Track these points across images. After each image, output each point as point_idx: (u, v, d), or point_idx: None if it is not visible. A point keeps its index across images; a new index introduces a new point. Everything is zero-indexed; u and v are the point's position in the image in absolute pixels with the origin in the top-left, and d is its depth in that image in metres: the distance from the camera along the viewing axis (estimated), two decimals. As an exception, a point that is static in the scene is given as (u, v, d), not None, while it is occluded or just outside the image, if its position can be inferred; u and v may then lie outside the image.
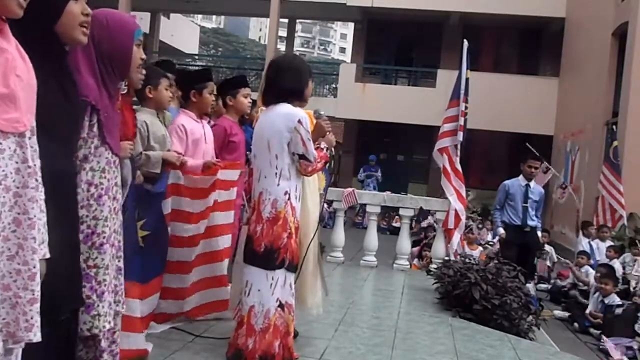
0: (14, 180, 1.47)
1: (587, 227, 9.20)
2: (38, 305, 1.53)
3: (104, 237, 2.08)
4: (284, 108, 3.03)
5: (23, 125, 1.49)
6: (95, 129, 2.07)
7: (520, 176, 6.80)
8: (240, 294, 3.18)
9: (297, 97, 3.12)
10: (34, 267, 1.51)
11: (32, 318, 1.51)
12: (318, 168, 3.09)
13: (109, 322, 2.11)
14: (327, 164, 3.27)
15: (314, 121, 3.29)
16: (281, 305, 2.97)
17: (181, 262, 3.50)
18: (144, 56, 2.30)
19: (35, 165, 1.54)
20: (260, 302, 2.96)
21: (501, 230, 6.75)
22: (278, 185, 2.97)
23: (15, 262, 1.48)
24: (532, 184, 6.76)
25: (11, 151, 1.46)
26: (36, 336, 1.52)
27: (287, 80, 3.09)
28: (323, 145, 3.17)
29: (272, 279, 2.94)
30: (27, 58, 1.57)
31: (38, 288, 1.52)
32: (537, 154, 7.53)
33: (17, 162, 1.48)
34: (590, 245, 8.84)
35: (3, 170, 1.44)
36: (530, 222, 6.66)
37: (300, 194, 3.10)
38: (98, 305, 2.06)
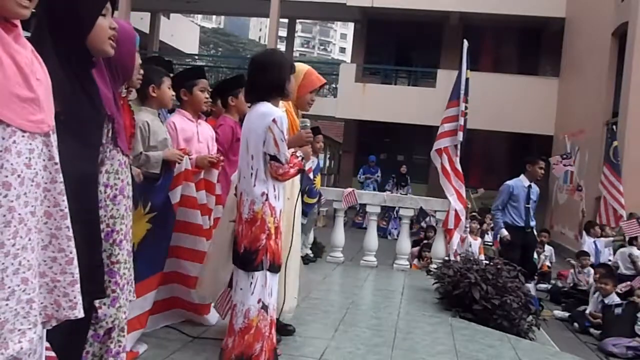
0: (42, 177, 1.59)
1: (594, 227, 9.21)
2: (79, 286, 1.66)
3: (122, 234, 2.25)
4: (263, 107, 2.96)
5: (47, 125, 1.60)
6: (110, 135, 2.21)
7: (522, 177, 6.79)
8: (211, 288, 3.30)
9: (277, 93, 3.05)
10: (71, 253, 1.65)
11: (74, 297, 1.65)
12: (290, 174, 2.99)
13: (124, 312, 2.31)
14: (302, 172, 3.19)
15: (299, 129, 3.27)
16: (264, 307, 2.92)
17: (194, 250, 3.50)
18: (140, 61, 2.53)
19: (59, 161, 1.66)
20: (241, 301, 2.92)
21: (505, 232, 6.68)
22: (254, 186, 2.91)
23: (49, 250, 1.61)
24: (532, 184, 6.77)
25: (39, 150, 1.58)
26: (80, 313, 1.67)
27: (267, 76, 3.01)
28: (299, 153, 3.09)
29: (252, 277, 2.91)
30: (42, 61, 1.67)
31: (77, 271, 1.66)
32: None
33: (44, 160, 1.60)
34: (596, 245, 8.86)
35: (34, 168, 1.56)
36: (531, 223, 6.69)
37: (281, 192, 3.02)
38: (121, 298, 2.25)
